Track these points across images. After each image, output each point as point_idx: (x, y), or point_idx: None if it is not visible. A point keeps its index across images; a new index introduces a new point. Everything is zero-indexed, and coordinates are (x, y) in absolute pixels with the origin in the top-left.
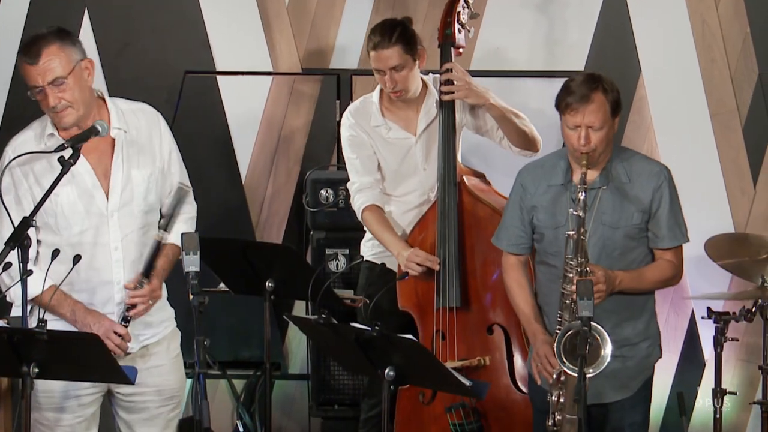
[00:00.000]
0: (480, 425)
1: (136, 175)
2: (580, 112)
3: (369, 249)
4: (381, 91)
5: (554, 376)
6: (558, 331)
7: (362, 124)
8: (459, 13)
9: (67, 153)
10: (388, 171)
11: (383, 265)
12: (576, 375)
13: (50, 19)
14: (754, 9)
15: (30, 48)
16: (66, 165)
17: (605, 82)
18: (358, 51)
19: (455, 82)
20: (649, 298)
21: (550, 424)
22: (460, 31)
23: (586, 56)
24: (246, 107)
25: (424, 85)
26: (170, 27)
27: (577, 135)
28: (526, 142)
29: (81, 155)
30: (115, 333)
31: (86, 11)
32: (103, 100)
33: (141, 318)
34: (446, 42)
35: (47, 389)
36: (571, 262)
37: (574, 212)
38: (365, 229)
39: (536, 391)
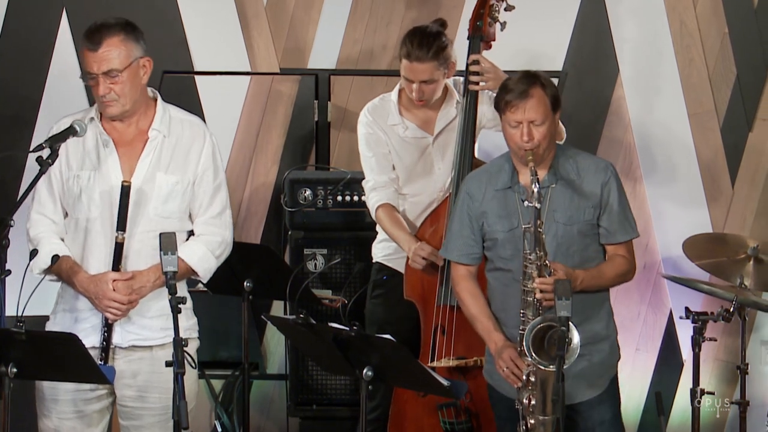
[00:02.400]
0: (470, 426)
1: (160, 178)
2: (520, 108)
3: (380, 251)
4: (400, 90)
5: (523, 378)
6: (522, 332)
7: (379, 122)
8: (492, 5)
9: (45, 153)
10: (402, 169)
11: (391, 267)
12: (547, 369)
13: (28, 19)
14: (732, 10)
15: (93, 34)
16: (44, 165)
17: (542, 78)
18: (336, 51)
19: (484, 74)
20: (606, 298)
21: (522, 430)
22: (491, 25)
23: (564, 56)
24: (224, 107)
25: (445, 86)
26: (148, 27)
27: (520, 132)
28: None
29: (113, 146)
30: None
31: (64, 11)
32: (155, 101)
33: (133, 317)
34: (475, 34)
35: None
36: (530, 257)
37: (530, 204)
38: (377, 229)
39: (498, 399)
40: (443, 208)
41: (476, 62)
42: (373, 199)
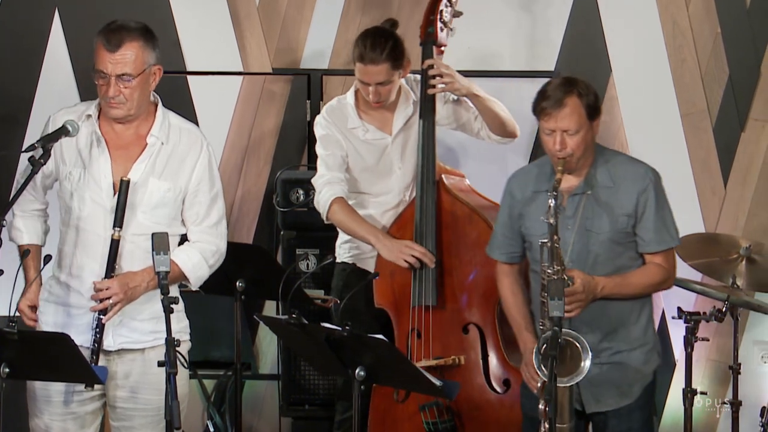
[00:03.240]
0: (453, 424)
1: (153, 183)
2: (554, 116)
3: (346, 251)
4: (357, 92)
5: (539, 385)
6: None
7: (338, 125)
8: (442, 11)
9: (38, 153)
10: (365, 170)
11: (358, 266)
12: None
13: (20, 19)
14: (725, 9)
15: (113, 35)
16: (36, 165)
17: (580, 86)
18: (328, 51)
19: (441, 77)
20: (645, 304)
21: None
22: (442, 30)
23: (557, 56)
24: (216, 107)
25: (399, 86)
26: None
27: (553, 140)
28: (505, 129)
29: (105, 145)
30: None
31: (57, 11)
32: (156, 106)
33: (124, 320)
34: (428, 40)
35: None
36: (548, 271)
37: (545, 220)
38: (337, 228)
39: (528, 397)
40: (409, 213)
41: (431, 66)
42: (327, 194)
